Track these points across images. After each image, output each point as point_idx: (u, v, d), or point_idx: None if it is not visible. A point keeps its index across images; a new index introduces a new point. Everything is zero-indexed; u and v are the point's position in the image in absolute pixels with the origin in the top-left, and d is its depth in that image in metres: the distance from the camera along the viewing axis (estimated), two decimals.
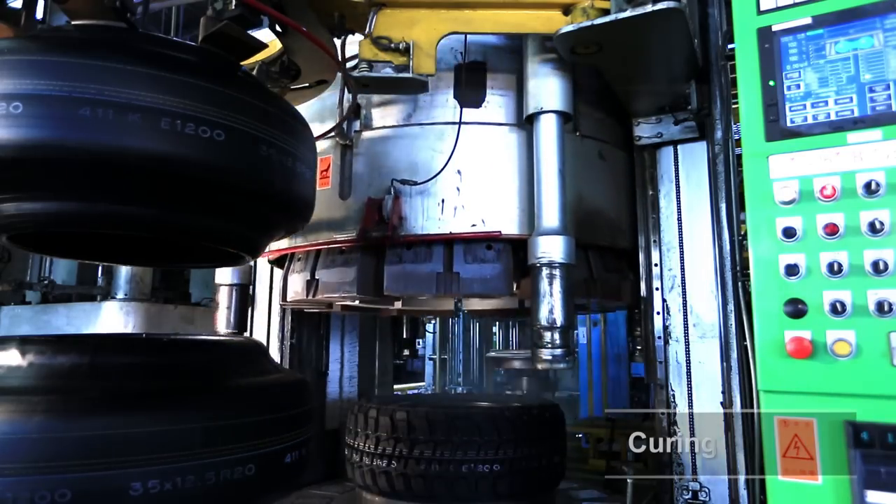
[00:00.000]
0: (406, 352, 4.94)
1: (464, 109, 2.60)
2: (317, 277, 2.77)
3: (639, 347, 3.65)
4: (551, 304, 2.26)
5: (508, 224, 2.55)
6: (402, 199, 2.56)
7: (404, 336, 4.88)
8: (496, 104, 2.68)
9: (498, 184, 2.60)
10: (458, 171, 2.57)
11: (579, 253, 2.52)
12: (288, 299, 3.01)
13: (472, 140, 2.60)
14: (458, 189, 2.57)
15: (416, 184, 2.55)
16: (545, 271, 2.29)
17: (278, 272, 3.58)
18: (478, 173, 2.59)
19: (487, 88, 2.69)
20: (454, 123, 2.57)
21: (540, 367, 2.28)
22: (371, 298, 2.76)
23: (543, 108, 2.45)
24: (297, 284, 2.90)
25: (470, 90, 2.65)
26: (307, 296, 2.78)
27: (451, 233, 2.54)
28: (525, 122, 2.56)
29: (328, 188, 2.73)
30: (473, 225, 2.54)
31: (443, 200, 2.56)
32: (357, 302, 3.31)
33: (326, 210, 2.68)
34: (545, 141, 2.45)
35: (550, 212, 2.38)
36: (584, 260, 2.72)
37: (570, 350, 2.28)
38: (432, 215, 2.56)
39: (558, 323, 2.24)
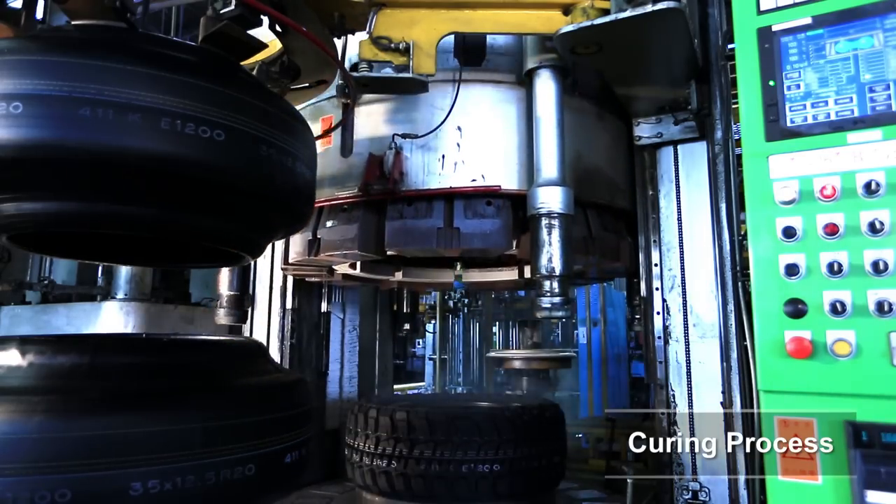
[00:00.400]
0: (406, 326, 4.96)
1: (464, 67, 2.64)
2: (318, 236, 2.80)
3: (637, 317, 3.69)
4: (550, 252, 2.30)
5: (508, 179, 2.61)
6: (402, 155, 2.60)
7: (404, 311, 4.90)
8: (496, 62, 2.73)
9: (498, 140, 2.65)
10: (459, 128, 2.62)
11: (578, 212, 2.57)
12: (290, 261, 3.03)
13: (472, 97, 2.65)
14: (458, 145, 2.62)
15: (416, 137, 2.59)
16: (544, 221, 2.33)
17: (279, 273, 3.58)
18: (478, 130, 2.64)
19: (487, 46, 2.73)
20: (455, 81, 2.61)
21: (539, 315, 2.32)
22: (372, 256, 2.79)
23: (542, 63, 2.49)
24: (298, 245, 2.92)
25: (470, 48, 2.69)
26: (309, 255, 2.81)
27: (451, 187, 2.59)
28: (524, 78, 2.59)
29: (330, 147, 2.77)
30: (473, 180, 2.59)
31: (443, 156, 2.60)
32: (358, 269, 3.35)
33: (328, 168, 2.73)
34: (544, 94, 2.48)
35: (549, 164, 2.42)
36: (583, 219, 2.77)
37: (569, 299, 2.33)
38: (433, 170, 2.61)
39: (557, 271, 2.29)
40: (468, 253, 2.85)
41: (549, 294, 2.30)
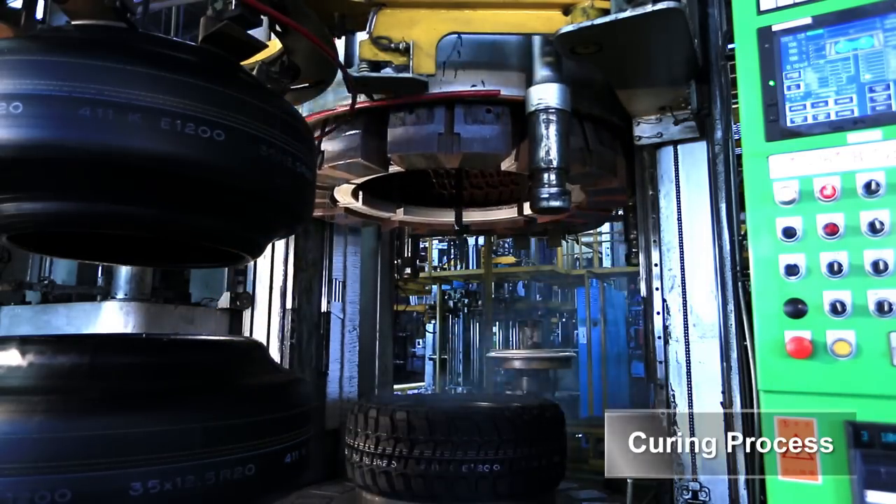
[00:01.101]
0: (408, 270, 4.99)
1: None
2: (322, 150, 2.84)
3: (634, 250, 3.73)
4: (548, 146, 2.34)
5: (507, 85, 2.66)
6: None
7: (406, 255, 4.92)
8: None
9: (497, 46, 2.70)
10: (459, 35, 2.64)
11: (575, 124, 2.64)
12: None
13: None
14: (458, 52, 2.66)
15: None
16: (542, 116, 2.37)
17: (279, 273, 3.58)
18: (478, 36, 2.67)
19: None
20: None
21: (537, 206, 2.36)
22: (375, 168, 2.84)
23: None
24: None
25: None
26: None
27: (452, 91, 2.64)
28: None
29: None
30: (474, 85, 2.65)
31: (444, 63, 2.63)
32: (360, 202, 3.42)
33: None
34: None
35: (546, 63, 2.45)
36: (580, 131, 2.82)
37: (566, 191, 2.37)
38: (434, 76, 2.62)
39: (555, 164, 2.34)
40: (468, 163, 2.89)
41: (546, 185, 2.33)
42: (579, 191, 3.25)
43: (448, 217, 3.96)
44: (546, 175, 2.34)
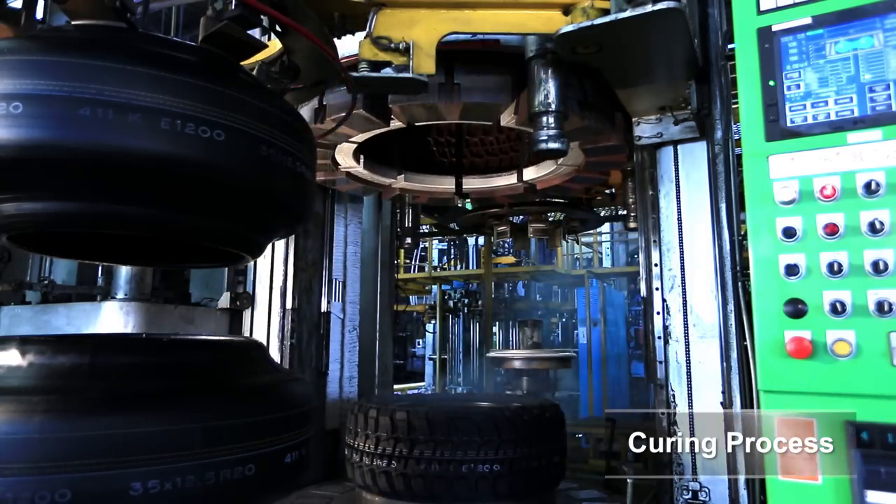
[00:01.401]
0: (408, 241, 5.00)
1: None
2: (325, 104, 2.85)
3: (633, 214, 3.77)
4: (546, 90, 2.37)
5: (507, 35, 2.67)
6: None
7: (407, 225, 4.93)
8: None
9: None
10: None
11: (574, 78, 2.67)
12: None
13: None
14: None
15: None
16: (541, 61, 2.39)
17: (279, 273, 3.58)
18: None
19: None
20: None
21: (536, 148, 2.38)
22: (377, 122, 2.86)
23: None
24: (304, 115, 2.99)
25: None
26: (315, 122, 2.88)
27: (451, 41, 2.63)
28: None
29: None
30: (474, 35, 2.66)
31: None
32: (361, 166, 3.45)
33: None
34: None
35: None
36: (579, 85, 2.84)
37: (563, 133, 2.40)
38: None
39: (553, 107, 2.36)
40: (468, 114, 2.90)
41: (545, 128, 2.36)
42: (578, 150, 3.26)
43: (448, 184, 4.00)
44: (545, 118, 2.37)
